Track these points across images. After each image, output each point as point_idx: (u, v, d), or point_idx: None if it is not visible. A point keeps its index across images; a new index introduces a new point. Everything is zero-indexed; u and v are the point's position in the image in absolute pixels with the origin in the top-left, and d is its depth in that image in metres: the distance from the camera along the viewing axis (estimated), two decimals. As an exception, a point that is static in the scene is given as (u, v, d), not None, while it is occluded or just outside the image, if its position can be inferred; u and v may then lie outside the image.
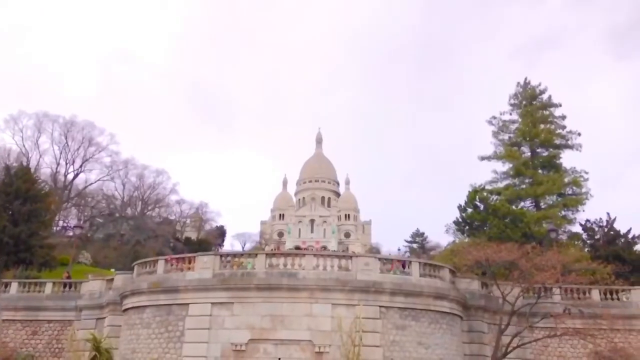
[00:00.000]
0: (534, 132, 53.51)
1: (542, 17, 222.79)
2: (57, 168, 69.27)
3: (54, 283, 29.76)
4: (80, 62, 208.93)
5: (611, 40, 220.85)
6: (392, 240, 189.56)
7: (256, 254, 23.51)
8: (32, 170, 57.22)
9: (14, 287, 29.60)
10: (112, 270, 43.92)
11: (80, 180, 72.11)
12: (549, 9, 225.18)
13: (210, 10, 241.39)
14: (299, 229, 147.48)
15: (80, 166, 70.63)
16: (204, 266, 22.30)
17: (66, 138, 69.84)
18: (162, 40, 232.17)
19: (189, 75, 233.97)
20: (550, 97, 55.29)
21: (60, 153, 69.56)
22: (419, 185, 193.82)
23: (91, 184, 72.75)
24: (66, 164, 69.80)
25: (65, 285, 29.48)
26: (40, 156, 68.63)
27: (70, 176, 70.34)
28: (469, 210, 50.63)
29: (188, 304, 21.92)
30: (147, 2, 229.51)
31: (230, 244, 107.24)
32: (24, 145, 67.99)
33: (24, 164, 58.78)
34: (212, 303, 21.55)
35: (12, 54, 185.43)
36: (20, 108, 78.97)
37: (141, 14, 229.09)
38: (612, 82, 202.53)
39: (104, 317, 26.52)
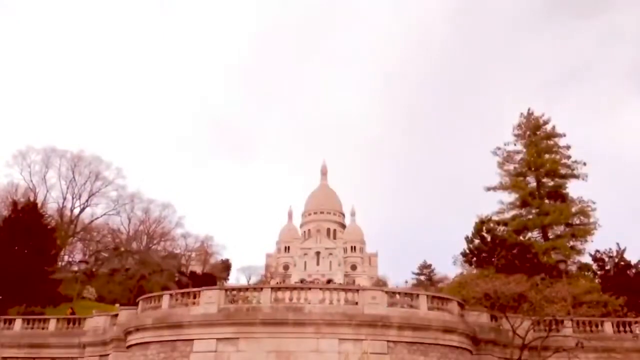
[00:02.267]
0: (539, 162, 53.48)
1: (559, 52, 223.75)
2: (63, 203, 69.58)
3: (57, 319, 29.43)
4: (90, 94, 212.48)
5: (633, 76, 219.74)
6: (399, 272, 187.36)
7: (261, 288, 23.22)
8: (39, 205, 57.40)
9: (18, 323, 29.31)
10: (117, 305, 43.55)
11: (86, 215, 72.33)
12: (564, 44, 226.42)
13: (215, 45, 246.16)
14: (305, 262, 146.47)
15: (87, 200, 70.94)
16: (209, 301, 22.03)
17: (73, 173, 70.32)
18: (167, 72, 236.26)
19: (193, 108, 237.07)
20: (554, 127, 55.47)
21: (67, 188, 69.97)
22: (425, 216, 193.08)
23: (97, 218, 72.91)
24: (72, 198, 70.14)
25: (69, 322, 29.17)
26: (47, 191, 69.00)
27: (76, 210, 70.61)
28: (476, 241, 50.20)
29: (193, 339, 21.56)
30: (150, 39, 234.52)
31: (235, 278, 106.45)
32: (31, 181, 68.50)
33: (31, 199, 59.05)
34: (217, 339, 21.19)
35: (19, 88, 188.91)
36: (29, 143, 79.99)
37: (145, 49, 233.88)
38: (634, 116, 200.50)
39: (108, 354, 26.12)
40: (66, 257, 69.87)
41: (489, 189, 55.75)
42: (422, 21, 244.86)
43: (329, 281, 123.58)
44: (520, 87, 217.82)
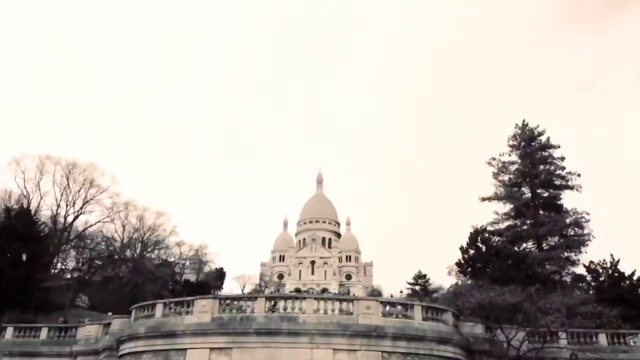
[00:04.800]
0: (534, 173, 53.81)
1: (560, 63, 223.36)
2: (57, 210, 69.14)
3: (49, 328, 29.23)
4: (86, 102, 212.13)
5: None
6: (393, 282, 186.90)
7: (256, 297, 23.16)
8: (33, 212, 57.11)
9: (9, 331, 29.11)
10: (110, 314, 43.19)
11: (80, 222, 71.88)
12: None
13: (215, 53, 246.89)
14: (300, 271, 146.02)
15: (81, 208, 70.57)
16: (203, 310, 21.93)
17: (67, 180, 70.06)
18: (163, 79, 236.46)
19: (187, 115, 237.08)
20: (548, 138, 55.83)
21: (61, 195, 69.58)
22: (420, 226, 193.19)
23: (91, 225, 72.44)
24: (67, 205, 69.72)
25: (61, 330, 28.97)
26: (41, 198, 68.52)
27: (70, 218, 70.15)
28: (471, 251, 50.28)
29: (186, 349, 21.45)
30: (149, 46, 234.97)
31: (229, 287, 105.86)
32: (25, 187, 68.07)
33: (25, 205, 58.72)
34: (211, 348, 21.09)
35: (15, 95, 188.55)
36: (23, 150, 79.97)
37: (141, 59, 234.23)
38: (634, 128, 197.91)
39: (100, 363, 25.92)
40: (59, 265, 69.40)
41: (483, 199, 55.96)
42: (425, 32, 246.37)
43: (323, 290, 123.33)
44: (521, 97, 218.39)
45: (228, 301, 22.90)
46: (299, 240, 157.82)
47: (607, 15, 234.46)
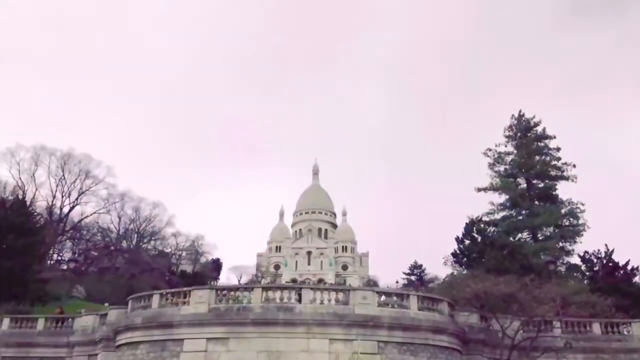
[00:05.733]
0: (529, 164, 54.02)
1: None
2: (52, 201, 68.96)
3: (46, 319, 29.29)
4: (82, 93, 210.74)
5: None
6: (389, 272, 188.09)
7: (252, 288, 23.23)
8: (28, 203, 56.91)
9: (6, 322, 29.14)
10: (106, 304, 43.24)
11: (75, 213, 71.79)
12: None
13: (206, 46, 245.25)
14: (296, 261, 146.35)
15: (76, 199, 70.43)
16: (200, 300, 21.96)
17: (63, 171, 69.90)
18: (160, 72, 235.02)
19: (183, 106, 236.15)
20: (544, 129, 56.06)
21: (57, 186, 69.43)
22: (416, 216, 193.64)
23: (87, 216, 72.39)
24: (62, 196, 69.58)
25: (57, 321, 29.01)
26: (37, 189, 68.37)
27: (66, 209, 70.05)
28: (467, 241, 50.56)
29: (183, 339, 21.49)
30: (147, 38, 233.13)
31: (226, 277, 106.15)
32: (20, 178, 67.91)
33: (20, 197, 58.48)
34: (208, 338, 21.14)
35: (9, 85, 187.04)
36: (18, 141, 79.26)
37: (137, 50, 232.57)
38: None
39: (97, 354, 25.98)
40: (55, 256, 69.40)
41: (479, 189, 56.20)
42: (424, 27, 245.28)
43: (320, 281, 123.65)
44: (520, 90, 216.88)
45: (225, 292, 22.93)
46: (295, 231, 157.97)
47: (609, 11, 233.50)
